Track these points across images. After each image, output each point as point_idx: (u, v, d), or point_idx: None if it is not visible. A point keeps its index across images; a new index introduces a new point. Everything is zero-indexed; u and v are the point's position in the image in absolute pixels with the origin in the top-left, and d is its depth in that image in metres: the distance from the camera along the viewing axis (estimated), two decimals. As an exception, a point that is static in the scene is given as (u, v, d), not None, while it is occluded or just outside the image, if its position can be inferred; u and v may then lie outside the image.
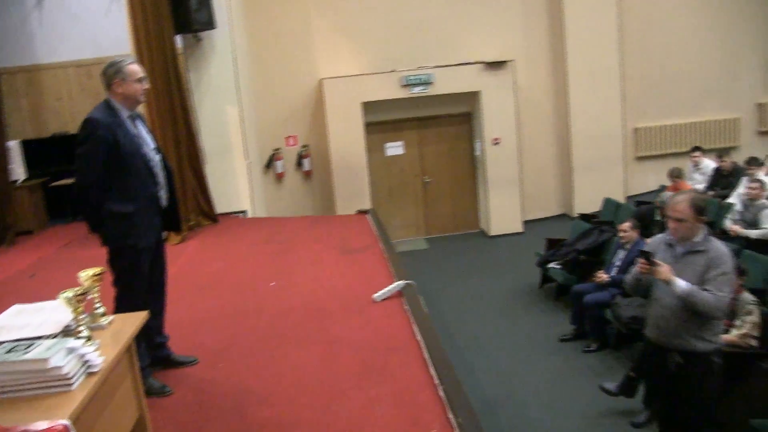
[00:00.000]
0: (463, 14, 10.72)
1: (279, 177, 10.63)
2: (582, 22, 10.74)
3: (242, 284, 5.64)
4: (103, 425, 2.29)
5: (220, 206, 8.15)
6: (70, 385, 2.11)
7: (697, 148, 10.02)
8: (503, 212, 10.88)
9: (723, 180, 9.15)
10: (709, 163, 9.70)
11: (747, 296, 5.15)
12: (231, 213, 8.34)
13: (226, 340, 4.36)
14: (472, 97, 10.74)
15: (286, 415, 3.37)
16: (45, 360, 2.07)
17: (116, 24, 8.19)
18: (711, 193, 8.86)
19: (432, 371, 3.66)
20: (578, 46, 10.81)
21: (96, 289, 2.60)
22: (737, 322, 5.01)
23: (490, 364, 6.44)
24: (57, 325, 2.34)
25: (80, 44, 9.12)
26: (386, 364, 3.86)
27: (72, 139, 3.91)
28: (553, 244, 8.18)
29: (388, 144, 10.94)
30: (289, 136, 10.63)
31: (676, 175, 8.46)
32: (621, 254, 6.69)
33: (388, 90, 10.32)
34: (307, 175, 10.76)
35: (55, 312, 2.43)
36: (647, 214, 7.76)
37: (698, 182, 9.40)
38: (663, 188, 9.16)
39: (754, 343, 4.93)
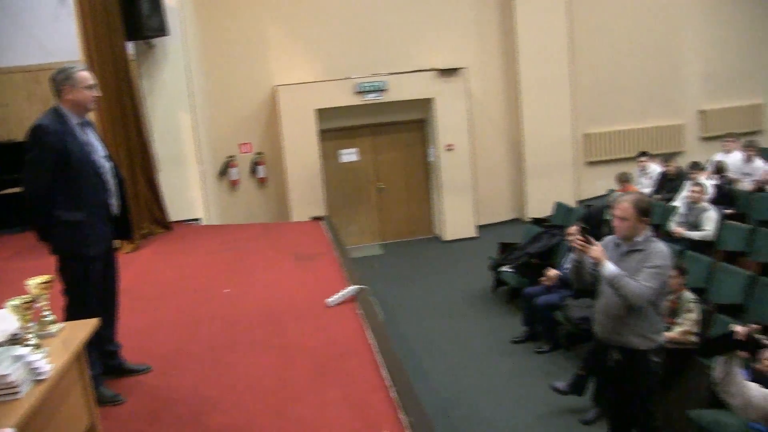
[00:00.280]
0: (417, 22, 10.84)
1: (233, 184, 10.59)
2: (533, 30, 10.96)
3: (196, 292, 5.62)
4: (52, 433, 2.29)
5: (174, 214, 8.09)
6: (17, 393, 2.11)
7: (643, 154, 10.29)
8: (457, 217, 11.01)
9: (668, 184, 9.40)
10: (656, 168, 9.97)
11: (688, 295, 5.34)
12: (185, 221, 8.28)
13: (180, 347, 4.35)
14: (426, 103, 10.85)
15: (240, 420, 3.39)
16: (-9, 368, 2.07)
17: (65, 30, 8.05)
18: (657, 196, 9.10)
19: (384, 373, 3.71)
20: (529, 54, 11.03)
21: (45, 297, 2.59)
22: (678, 320, 5.18)
23: (444, 367, 6.53)
24: (3, 334, 2.33)
25: (27, 50, 8.93)
26: (339, 368, 3.91)
27: (19, 146, 3.86)
28: (506, 248, 8.33)
29: (343, 151, 10.98)
30: (244, 144, 10.59)
31: (624, 179, 8.69)
32: (571, 256, 6.84)
33: (343, 97, 10.37)
34: (262, 182, 10.74)
35: (2, 320, 2.42)
36: (596, 214, 7.95)
37: (645, 186, 9.65)
38: (612, 192, 9.38)
39: (694, 339, 5.11)
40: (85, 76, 3.54)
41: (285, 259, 6.49)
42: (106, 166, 3.64)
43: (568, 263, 6.84)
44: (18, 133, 8.61)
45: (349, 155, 11.01)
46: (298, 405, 3.50)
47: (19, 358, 2.17)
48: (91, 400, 2.73)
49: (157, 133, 8.13)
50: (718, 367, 2.63)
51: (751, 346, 2.47)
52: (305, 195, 10.31)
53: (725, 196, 8.44)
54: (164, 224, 7.86)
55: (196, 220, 8.41)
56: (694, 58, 12.16)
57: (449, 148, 10.79)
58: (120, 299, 3.91)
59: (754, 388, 2.63)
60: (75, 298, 3.50)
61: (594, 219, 7.63)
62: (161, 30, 7.78)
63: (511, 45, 11.12)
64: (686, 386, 4.54)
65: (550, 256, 7.47)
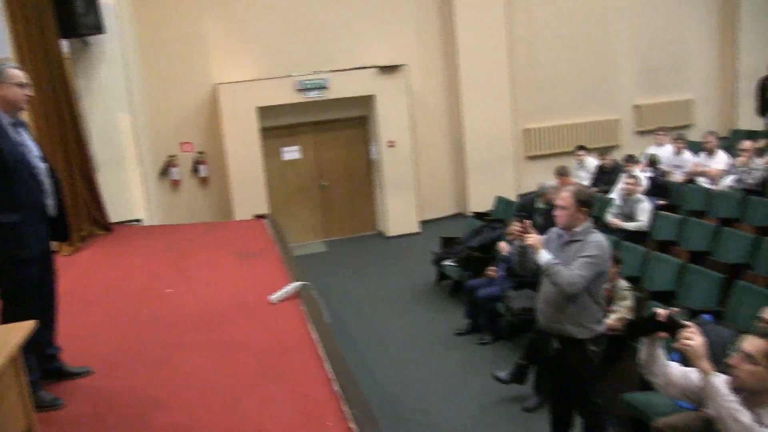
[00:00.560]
0: (358, 19, 10.89)
1: (175, 184, 10.47)
2: (472, 27, 11.13)
3: (138, 292, 5.55)
4: (-12, 438, 2.27)
5: (115, 215, 7.94)
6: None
7: (581, 148, 10.57)
8: (400, 213, 11.12)
9: (605, 177, 9.68)
10: (593, 161, 10.25)
11: (622, 283, 5.55)
12: (126, 222, 8.15)
13: (123, 349, 4.31)
14: (368, 100, 10.92)
15: (185, 419, 3.39)
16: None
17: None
18: (594, 189, 9.36)
19: (327, 367, 3.76)
20: (469, 51, 11.20)
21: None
22: (614, 308, 5.37)
23: (389, 360, 6.61)
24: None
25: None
26: (283, 364, 3.94)
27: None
28: (448, 243, 8.46)
29: (285, 148, 10.97)
30: (185, 143, 10.48)
31: (562, 172, 8.89)
32: (515, 244, 6.99)
33: (284, 95, 10.35)
34: (204, 181, 10.65)
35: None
36: (528, 203, 8.14)
37: (583, 179, 9.91)
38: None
39: (629, 325, 5.29)
40: (17, 72, 3.48)
41: (228, 258, 6.46)
42: (41, 166, 3.59)
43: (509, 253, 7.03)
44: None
45: (291, 153, 11.01)
46: (242, 402, 3.52)
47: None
48: (28, 404, 2.70)
49: (95, 132, 7.97)
50: (642, 348, 2.76)
51: (671, 327, 2.61)
52: (248, 194, 10.26)
53: (659, 187, 8.74)
54: (104, 225, 7.72)
55: (138, 220, 8.29)
56: (628, 55, 12.53)
57: (391, 144, 10.88)
58: (59, 302, 3.86)
59: (675, 367, 2.77)
60: (11, 301, 3.43)
61: (527, 208, 7.83)
62: (97, 28, 7.62)
63: (451, 42, 11.28)
64: (621, 371, 4.71)
65: (491, 249, 7.61)
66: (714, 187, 8.75)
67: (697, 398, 2.61)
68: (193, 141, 10.52)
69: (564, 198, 4.14)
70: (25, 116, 3.81)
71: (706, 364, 2.51)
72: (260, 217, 8.37)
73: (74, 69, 7.86)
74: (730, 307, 5.60)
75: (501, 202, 9.69)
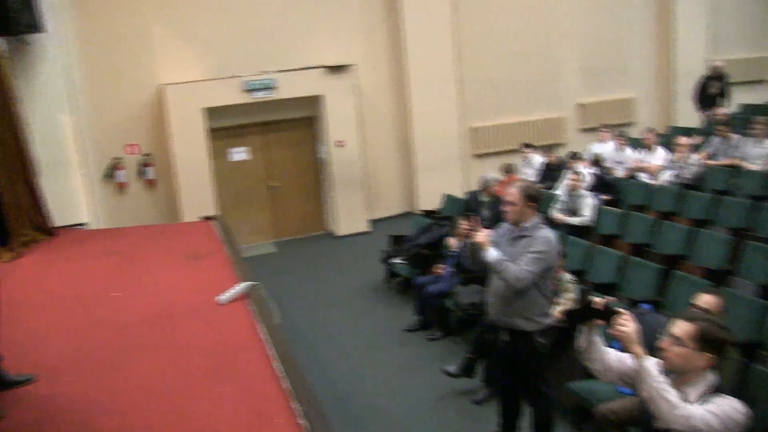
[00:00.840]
0: (305, 19, 10.86)
1: (121, 187, 10.30)
2: (420, 27, 11.23)
3: (84, 297, 5.47)
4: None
5: (58, 219, 7.80)
6: None
7: (527, 145, 10.78)
8: (350, 213, 11.15)
9: (550, 173, 9.89)
10: (538, 159, 10.47)
11: (567, 276, 5.69)
12: (70, 226, 8.01)
13: (69, 354, 4.25)
14: (316, 100, 10.92)
15: (134, 422, 3.37)
16: None
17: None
18: (540, 185, 9.55)
19: (276, 366, 3.79)
20: (417, 51, 11.29)
21: None
22: (559, 300, 5.51)
23: (340, 359, 6.65)
24: None
25: None
26: (232, 364, 3.95)
27: None
28: (397, 241, 8.54)
29: (233, 149, 10.90)
30: (131, 145, 10.32)
31: (508, 170, 9.06)
32: (465, 241, 7.11)
33: (231, 95, 10.28)
34: (151, 183, 10.50)
35: None
36: (473, 199, 8.27)
37: (529, 176, 10.09)
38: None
39: (573, 317, 5.44)
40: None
41: (176, 260, 6.42)
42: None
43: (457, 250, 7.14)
44: None
45: (239, 154, 10.94)
46: (191, 403, 3.52)
47: None
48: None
49: (36, 134, 7.76)
50: (581, 336, 2.87)
51: (607, 314, 2.71)
52: (196, 195, 10.16)
53: (602, 183, 8.96)
54: (47, 230, 7.57)
55: (82, 224, 8.15)
56: (572, 56, 12.83)
57: (340, 144, 10.90)
58: (1, 309, 3.79)
59: (611, 353, 2.88)
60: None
61: (473, 204, 7.96)
62: (35, 26, 7.43)
63: (399, 42, 11.36)
64: (566, 360, 4.84)
65: (439, 247, 7.71)
66: (653, 182, 9.03)
67: (633, 381, 2.72)
68: (140, 143, 10.36)
69: (512, 194, 4.24)
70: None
71: (638, 349, 2.62)
72: (208, 218, 8.32)
73: (12, 69, 7.67)
74: (668, 296, 5.82)
75: (449, 199, 9.82)
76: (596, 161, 9.56)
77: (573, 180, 8.24)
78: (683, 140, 9.32)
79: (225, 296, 4.94)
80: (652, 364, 2.63)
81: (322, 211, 11.59)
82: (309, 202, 11.53)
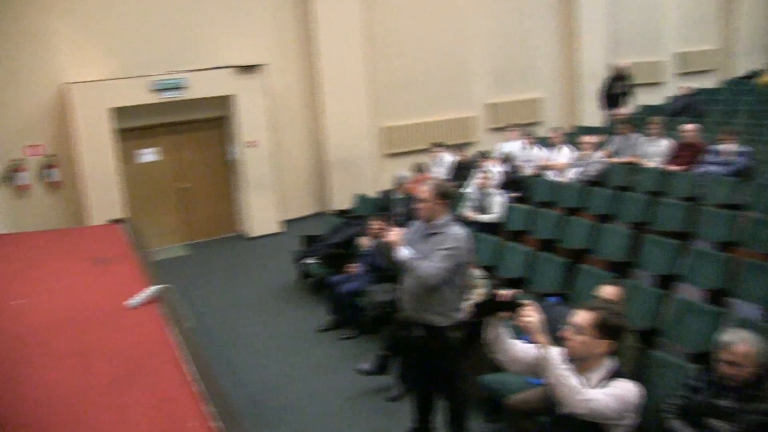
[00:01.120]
0: (216, 18, 10.69)
1: (22, 189, 9.85)
2: (331, 27, 11.25)
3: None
4: None
5: (-48, 225, 7.43)
6: None
7: (437, 144, 10.96)
8: (262, 213, 11.05)
9: (461, 172, 10.07)
10: (449, 158, 10.65)
11: (476, 272, 5.83)
12: (-35, 232, 7.63)
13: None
14: (227, 100, 10.76)
15: (36, 433, 3.25)
16: None
17: None
18: (451, 184, 9.73)
19: (188, 369, 3.72)
20: (329, 51, 11.30)
21: None
22: (469, 296, 5.63)
23: (254, 361, 6.60)
24: None
25: None
26: (142, 368, 3.84)
27: None
28: (310, 241, 8.53)
29: (142, 151, 10.62)
30: (33, 146, 9.88)
31: (419, 169, 9.18)
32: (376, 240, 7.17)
33: (139, 95, 9.98)
34: (56, 186, 10.08)
35: None
36: (386, 198, 8.36)
37: (440, 175, 10.25)
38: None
39: (483, 312, 5.57)
40: None
41: (82, 265, 6.19)
42: None
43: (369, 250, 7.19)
44: None
45: (148, 155, 10.67)
46: (98, 411, 3.40)
47: None
48: None
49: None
50: (488, 329, 2.95)
51: (512, 306, 2.80)
52: (104, 198, 9.82)
53: (512, 181, 9.21)
54: (-60, 237, 7.19)
55: (-22, 230, 7.78)
56: (482, 57, 13.16)
57: (251, 144, 10.79)
58: None
59: (518, 344, 2.98)
60: None
61: (386, 203, 8.04)
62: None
63: (311, 41, 11.33)
64: (478, 354, 4.95)
65: (351, 246, 7.74)
66: (560, 179, 9.36)
67: (538, 371, 2.82)
68: (44, 144, 9.93)
69: (424, 191, 4.31)
70: None
71: (542, 338, 2.73)
72: (117, 221, 8.07)
73: None
74: (574, 288, 6.05)
75: (361, 199, 9.88)
76: (507, 159, 9.81)
77: (482, 178, 8.44)
78: (587, 139, 9.71)
79: (134, 300, 4.81)
80: (555, 352, 2.74)
81: (234, 212, 11.43)
82: (220, 204, 11.35)
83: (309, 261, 8.15)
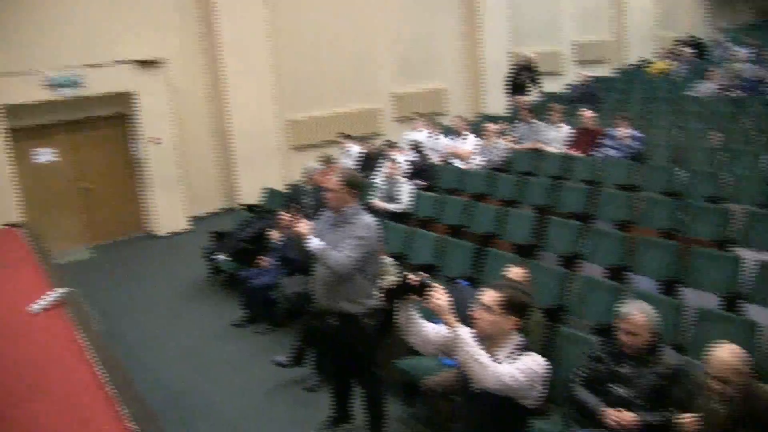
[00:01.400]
0: (114, 11, 10.23)
1: None
2: (234, 21, 11.07)
3: None
4: None
5: None
6: None
7: (345, 136, 11.01)
8: (169, 211, 10.81)
9: (369, 162, 10.17)
10: (356, 149, 10.72)
11: (387, 260, 5.93)
12: None
13: None
14: (128, 97, 10.44)
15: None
16: None
17: None
18: (360, 174, 9.80)
19: (99, 372, 3.64)
20: (232, 44, 11.11)
21: None
22: (381, 283, 5.72)
23: (168, 360, 6.48)
24: None
25: None
26: (50, 376, 3.74)
27: None
28: (219, 237, 8.42)
29: (38, 150, 10.16)
30: None
31: (326, 160, 9.20)
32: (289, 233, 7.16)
33: (32, 92, 9.50)
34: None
35: None
36: (296, 190, 8.35)
37: (348, 166, 10.32)
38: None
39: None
40: None
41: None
42: None
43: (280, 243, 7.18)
44: None
45: (45, 155, 10.22)
46: (7, 424, 3.29)
47: None
48: None
49: None
50: (399, 313, 3.02)
51: (421, 289, 2.88)
52: (-2, 201, 9.38)
53: (420, 170, 9.36)
54: None
55: None
56: (386, 48, 13.29)
57: (155, 141, 10.52)
58: None
59: (429, 326, 3.07)
60: None
61: (295, 195, 8.04)
62: None
63: (213, 35, 11.12)
64: (392, 340, 5.05)
65: (261, 240, 7.70)
66: (465, 167, 9.58)
67: (449, 351, 2.92)
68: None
69: (332, 181, 4.36)
70: None
71: (451, 319, 2.82)
72: (14, 225, 7.73)
73: None
74: (483, 272, 6.23)
75: (270, 192, 9.81)
76: (416, 147, 9.94)
77: (390, 168, 8.54)
78: (491, 127, 9.98)
79: (37, 306, 4.65)
80: (465, 331, 2.83)
81: (140, 211, 11.11)
82: (125, 203, 11.01)
83: (219, 257, 8.04)
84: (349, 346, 4.59)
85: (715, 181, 7.64)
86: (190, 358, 6.52)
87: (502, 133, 10.20)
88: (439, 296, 2.83)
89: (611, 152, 9.11)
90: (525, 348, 2.93)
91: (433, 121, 11.33)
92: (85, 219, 10.68)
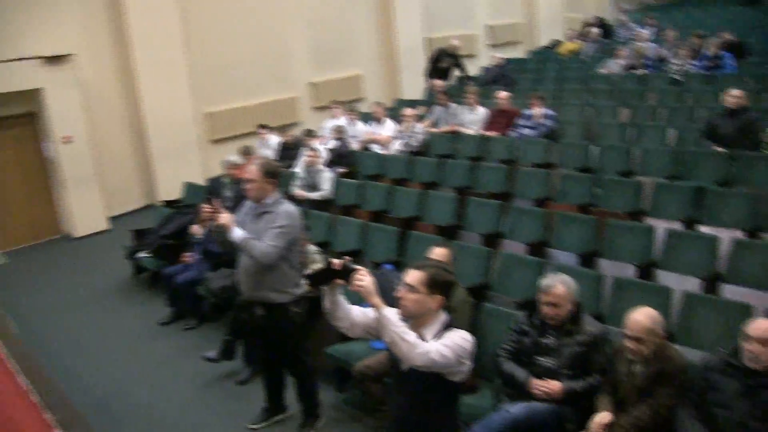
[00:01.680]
0: (16, 4, 9.75)
1: None
2: (144, 13, 10.73)
3: None
4: None
5: None
6: None
7: (263, 126, 10.92)
8: (86, 212, 10.46)
9: (288, 152, 10.13)
10: (275, 139, 10.67)
11: (312, 248, 5.96)
12: None
13: None
14: (35, 94, 10.04)
15: None
16: None
17: None
18: (279, 164, 9.75)
19: (21, 380, 3.54)
20: (142, 38, 10.78)
21: None
22: (307, 272, 5.75)
23: (95, 363, 6.33)
24: None
25: None
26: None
27: None
28: (140, 235, 8.26)
29: (-60, 155, 9.70)
30: None
31: (246, 152, 9.12)
32: (211, 225, 7.07)
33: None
34: None
35: None
36: (216, 183, 8.27)
37: (267, 156, 10.25)
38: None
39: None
40: None
41: None
42: None
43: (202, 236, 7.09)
44: None
45: (-53, 159, 9.76)
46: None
47: None
48: None
49: None
50: (325, 298, 3.06)
51: (345, 272, 2.93)
52: None
53: (341, 156, 9.39)
54: None
55: None
56: (301, 36, 13.21)
57: (67, 140, 10.16)
58: None
59: (355, 309, 3.12)
60: None
61: (216, 189, 7.96)
62: None
63: (122, 29, 10.79)
64: (322, 327, 5.09)
65: (184, 235, 7.58)
66: (385, 152, 9.66)
67: (377, 332, 2.98)
68: None
69: (251, 171, 4.37)
70: None
71: (376, 300, 2.87)
72: None
73: None
74: (407, 255, 6.34)
75: (189, 187, 9.65)
76: (339, 133, 9.91)
77: (310, 156, 8.54)
78: (408, 111, 10.08)
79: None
80: (391, 312, 2.89)
81: (56, 213, 10.73)
82: (39, 205, 10.60)
83: (142, 255, 7.89)
84: (277, 336, 4.61)
85: (626, 155, 7.96)
86: (117, 359, 6.39)
87: (419, 118, 10.32)
88: (363, 278, 2.88)
89: (526, 131, 9.35)
90: (451, 326, 3.02)
91: (351, 108, 11.37)
92: (-3, 224, 10.25)
